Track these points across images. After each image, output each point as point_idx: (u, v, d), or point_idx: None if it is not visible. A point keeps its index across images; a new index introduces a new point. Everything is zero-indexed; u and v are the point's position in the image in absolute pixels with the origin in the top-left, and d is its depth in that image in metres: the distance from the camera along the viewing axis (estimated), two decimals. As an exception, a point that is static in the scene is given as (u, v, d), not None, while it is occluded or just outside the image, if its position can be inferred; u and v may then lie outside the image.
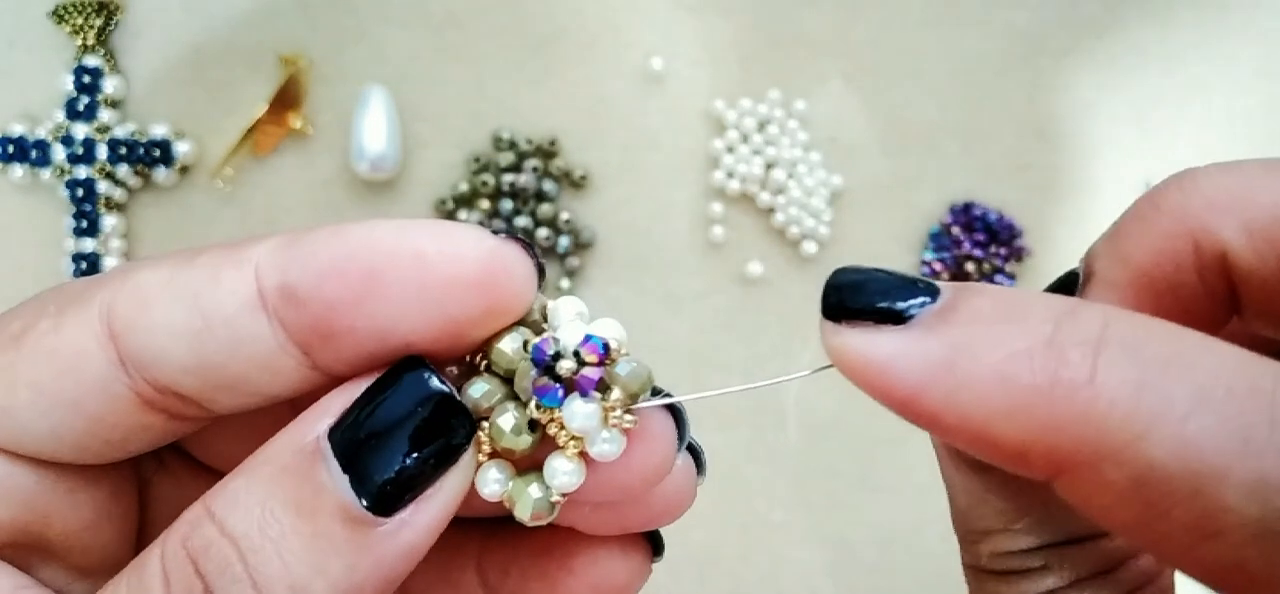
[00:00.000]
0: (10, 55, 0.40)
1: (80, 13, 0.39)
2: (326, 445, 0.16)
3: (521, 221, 0.40)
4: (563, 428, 0.17)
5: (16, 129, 0.39)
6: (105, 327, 0.17)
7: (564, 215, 0.40)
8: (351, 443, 0.16)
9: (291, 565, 0.16)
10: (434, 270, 0.16)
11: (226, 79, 0.40)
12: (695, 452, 0.19)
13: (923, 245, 0.41)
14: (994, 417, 0.15)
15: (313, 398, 0.18)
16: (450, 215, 0.40)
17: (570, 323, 0.17)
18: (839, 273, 0.17)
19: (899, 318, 0.16)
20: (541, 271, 0.17)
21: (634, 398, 0.17)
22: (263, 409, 0.19)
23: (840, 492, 0.42)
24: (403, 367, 0.17)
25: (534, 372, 0.17)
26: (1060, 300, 0.15)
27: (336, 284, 0.17)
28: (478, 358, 0.18)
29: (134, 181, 0.40)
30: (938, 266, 0.41)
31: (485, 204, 0.40)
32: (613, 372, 0.17)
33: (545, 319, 0.18)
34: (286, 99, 0.39)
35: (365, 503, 0.16)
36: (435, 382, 0.17)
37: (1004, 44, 0.41)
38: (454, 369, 0.18)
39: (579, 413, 0.17)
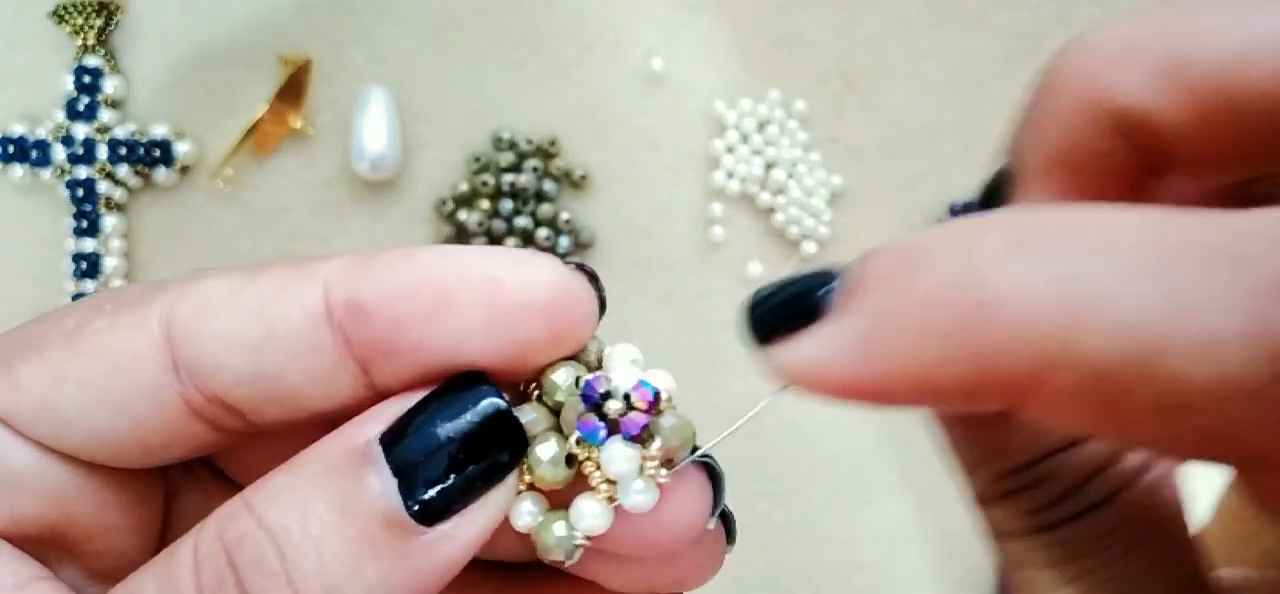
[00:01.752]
0: (10, 55, 0.40)
1: (80, 13, 0.39)
2: (378, 450, 0.16)
3: (521, 222, 0.40)
4: (598, 469, 0.17)
5: (17, 129, 0.39)
6: (164, 331, 0.18)
7: (564, 215, 0.40)
8: (403, 450, 0.16)
9: (328, 564, 0.16)
10: (507, 294, 0.17)
11: (227, 79, 0.40)
12: (727, 519, 0.19)
13: (922, 245, 0.41)
14: (931, 367, 0.14)
15: (356, 412, 0.18)
16: (450, 215, 0.40)
17: (625, 367, 0.18)
18: (750, 299, 0.17)
19: (812, 314, 0.15)
20: (603, 305, 0.18)
21: (675, 453, 0.17)
22: (298, 429, 0.19)
23: (841, 491, 0.42)
24: (463, 380, 0.17)
25: (582, 406, 0.17)
26: (958, 226, 0.14)
27: (407, 302, 0.17)
28: (530, 387, 0.18)
29: (134, 182, 0.40)
30: (937, 266, 0.41)
31: (485, 204, 0.40)
32: (658, 422, 0.17)
33: (599, 361, 0.18)
34: (287, 97, 0.39)
35: (411, 510, 0.16)
36: (495, 398, 0.17)
37: (1003, 44, 0.41)
38: (506, 396, 0.18)
39: (618, 457, 0.17)
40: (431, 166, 0.40)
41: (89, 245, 0.39)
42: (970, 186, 0.41)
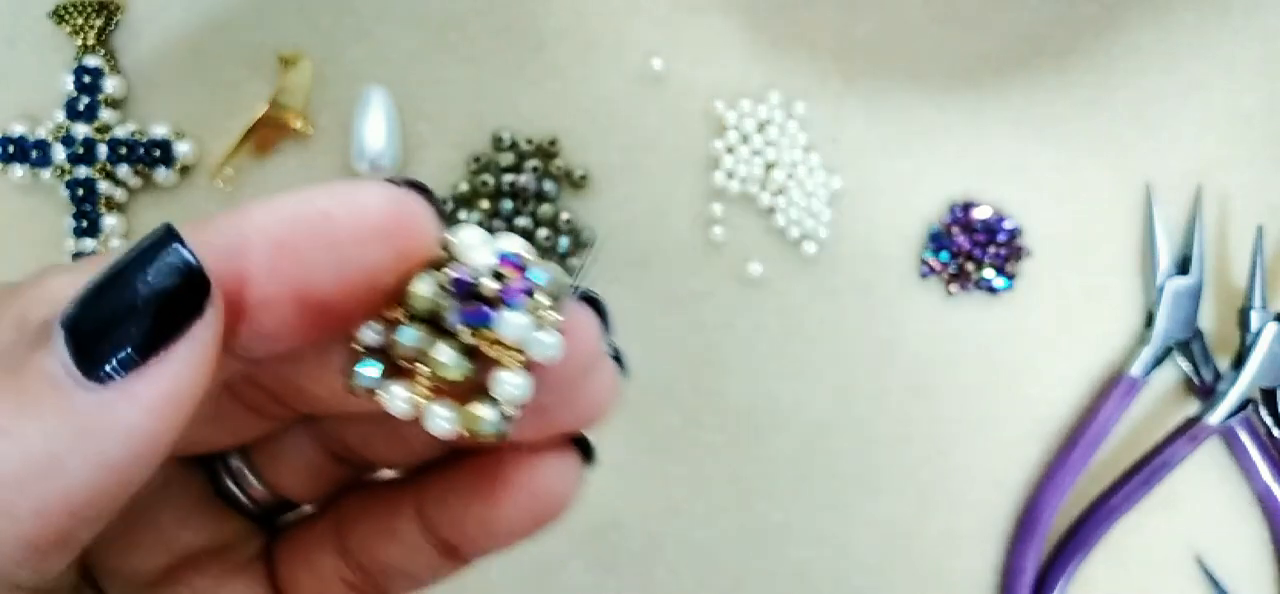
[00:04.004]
0: (10, 55, 0.40)
1: (80, 13, 0.39)
2: (58, 329, 0.16)
3: (522, 222, 0.40)
4: (498, 343, 0.17)
5: (17, 129, 0.39)
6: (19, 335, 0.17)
7: (564, 215, 0.40)
8: (85, 327, 0.16)
9: (17, 448, 0.15)
10: (341, 226, 0.17)
11: (227, 79, 0.40)
12: (617, 354, 0.20)
13: (922, 246, 0.41)
14: None
15: (263, 373, 0.18)
16: (451, 216, 0.40)
17: (480, 250, 0.18)
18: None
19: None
20: (441, 212, 0.18)
21: (554, 294, 0.18)
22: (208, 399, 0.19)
23: (840, 490, 0.42)
24: (151, 241, 0.16)
25: (458, 302, 0.17)
26: None
27: (245, 261, 0.17)
28: (398, 311, 0.18)
29: (134, 181, 0.40)
30: (937, 267, 0.41)
31: (485, 204, 0.40)
32: (532, 277, 0.17)
33: (449, 253, 0.18)
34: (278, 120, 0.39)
35: (76, 365, 0.15)
36: (182, 251, 0.16)
37: (1003, 44, 0.41)
38: (375, 330, 0.18)
39: (514, 321, 0.17)
40: (432, 166, 0.40)
41: (89, 245, 0.39)
42: (970, 187, 0.41)
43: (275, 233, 0.17)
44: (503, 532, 0.21)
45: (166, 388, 0.16)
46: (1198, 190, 0.42)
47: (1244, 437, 0.41)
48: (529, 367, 0.17)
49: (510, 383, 0.17)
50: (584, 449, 0.21)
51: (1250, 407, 0.41)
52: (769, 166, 0.41)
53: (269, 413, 0.21)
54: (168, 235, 0.16)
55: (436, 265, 0.18)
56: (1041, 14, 0.41)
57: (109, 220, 0.39)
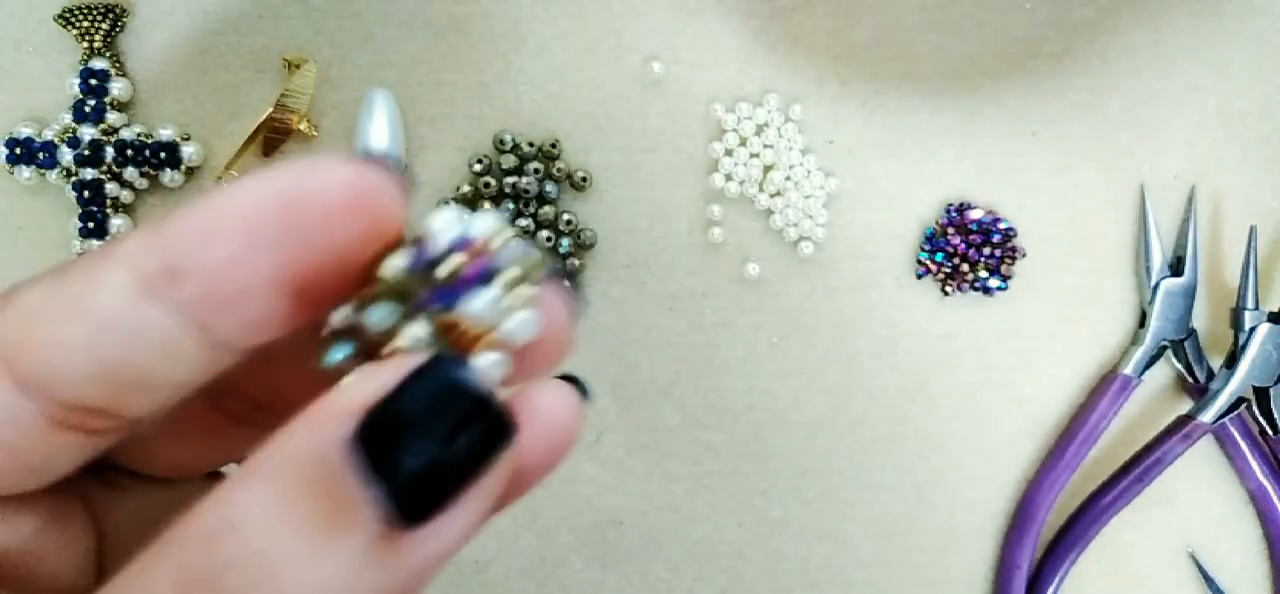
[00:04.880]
0: (17, 58, 0.40)
1: (87, 16, 0.40)
2: (355, 447, 0.15)
3: (523, 223, 0.40)
4: (470, 325, 0.17)
5: (24, 131, 0.39)
6: None
7: (565, 217, 0.40)
8: (382, 443, 0.15)
9: (320, 583, 0.15)
10: (309, 207, 0.16)
11: (232, 82, 0.40)
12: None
13: (918, 246, 0.42)
14: None
15: (247, 379, 0.17)
16: (453, 217, 0.40)
17: (445, 227, 0.17)
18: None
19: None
20: (406, 189, 0.17)
21: (526, 274, 0.17)
22: (197, 414, 0.19)
23: (837, 488, 0.42)
24: (431, 365, 0.16)
25: (424, 279, 0.17)
26: None
27: (214, 248, 0.16)
28: (369, 290, 0.17)
29: (141, 183, 0.40)
30: (933, 267, 0.42)
31: (488, 206, 0.40)
32: (500, 256, 0.17)
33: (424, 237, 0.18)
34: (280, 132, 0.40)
35: (400, 513, 0.15)
36: (465, 374, 0.16)
37: (998, 47, 0.42)
38: (345, 313, 0.17)
39: (480, 301, 0.16)
40: (434, 169, 0.41)
41: (96, 246, 0.40)
42: (965, 188, 0.42)
43: (245, 216, 0.16)
44: (523, 473, 0.19)
45: (479, 514, 0.16)
46: (1191, 191, 0.42)
47: (1237, 435, 0.42)
48: (501, 346, 0.17)
49: (485, 364, 0.17)
50: (576, 384, 0.19)
51: (1243, 406, 0.41)
52: (767, 169, 0.41)
53: (253, 422, 0.21)
54: (443, 361, 0.16)
55: (412, 243, 0.17)
56: (1036, 17, 0.42)
57: (115, 222, 0.40)
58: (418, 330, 0.17)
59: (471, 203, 0.41)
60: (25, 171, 0.39)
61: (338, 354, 0.17)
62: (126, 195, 0.40)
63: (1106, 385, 0.42)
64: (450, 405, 0.15)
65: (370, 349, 0.17)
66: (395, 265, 0.17)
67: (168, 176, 0.40)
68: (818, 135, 0.42)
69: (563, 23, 0.41)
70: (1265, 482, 0.42)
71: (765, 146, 0.41)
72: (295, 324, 0.17)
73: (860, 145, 0.42)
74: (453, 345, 0.17)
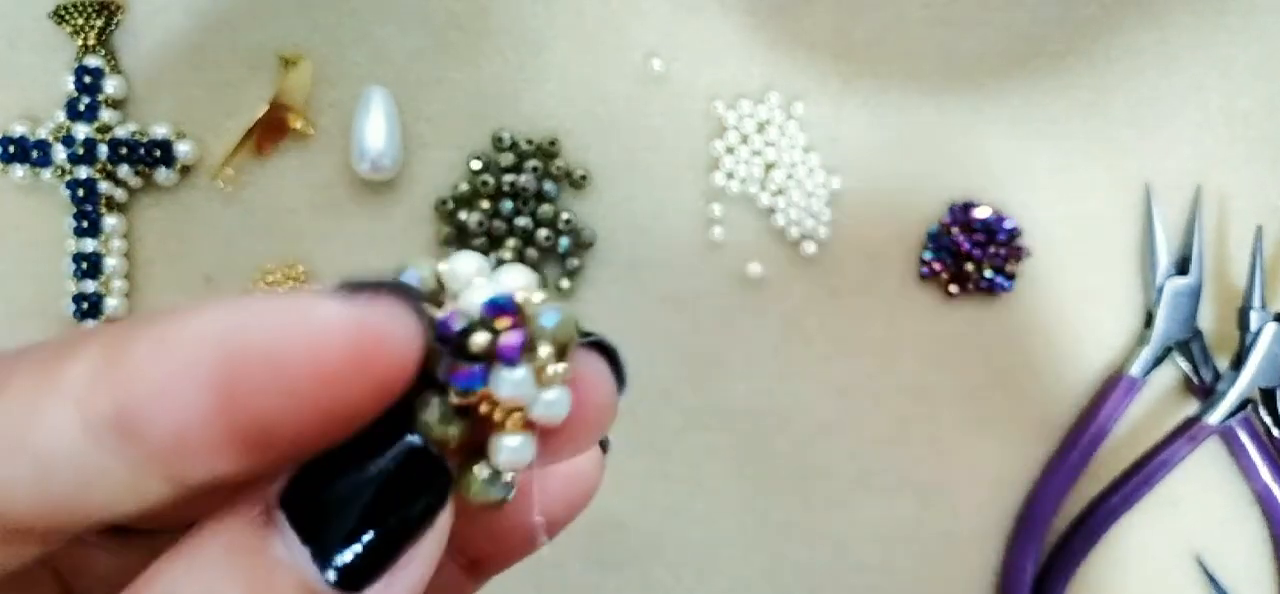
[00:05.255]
0: (11, 55, 0.40)
1: (81, 13, 0.39)
2: (280, 514, 0.14)
3: (522, 222, 0.40)
4: (497, 405, 0.15)
5: (17, 129, 0.39)
6: None
7: (564, 215, 0.40)
8: (310, 506, 0.14)
9: None
10: (294, 371, 0.13)
11: (227, 79, 0.40)
12: (619, 375, 0.17)
13: (921, 246, 0.41)
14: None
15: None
16: (451, 215, 0.40)
17: (473, 285, 0.15)
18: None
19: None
20: (425, 313, 0.15)
21: (564, 348, 0.15)
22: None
23: (839, 491, 0.42)
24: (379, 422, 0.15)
25: (446, 355, 0.15)
26: None
27: (179, 406, 0.13)
28: None
29: (135, 182, 0.40)
30: (937, 267, 0.41)
31: (486, 204, 0.40)
32: (536, 326, 0.15)
33: (442, 286, 0.15)
34: (275, 125, 0.39)
35: (329, 579, 0.14)
36: (411, 435, 0.14)
37: (1002, 45, 0.41)
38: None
39: (509, 381, 0.15)
40: (432, 167, 0.40)
41: (90, 245, 0.39)
42: (969, 187, 0.41)
43: (216, 368, 0.13)
44: (545, 527, 0.18)
45: (417, 581, 0.15)
46: (1197, 190, 0.42)
47: (1243, 436, 0.42)
48: (531, 425, 0.15)
49: (507, 447, 0.15)
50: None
51: (1249, 406, 0.41)
52: (769, 167, 0.41)
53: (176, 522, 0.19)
54: (404, 431, 0.14)
55: (427, 298, 0.15)
56: (1040, 15, 0.41)
57: (110, 221, 0.39)
58: (435, 408, 0.15)
59: (469, 201, 0.40)
60: (19, 170, 0.39)
61: None
62: (120, 194, 0.40)
63: (1112, 386, 0.41)
64: (386, 467, 0.14)
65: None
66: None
67: (162, 175, 0.40)
68: (820, 133, 0.41)
69: (562, 19, 0.40)
70: (1272, 483, 0.42)
71: (767, 144, 0.41)
72: (271, 461, 0.15)
73: (863, 143, 0.41)
74: (473, 426, 0.15)
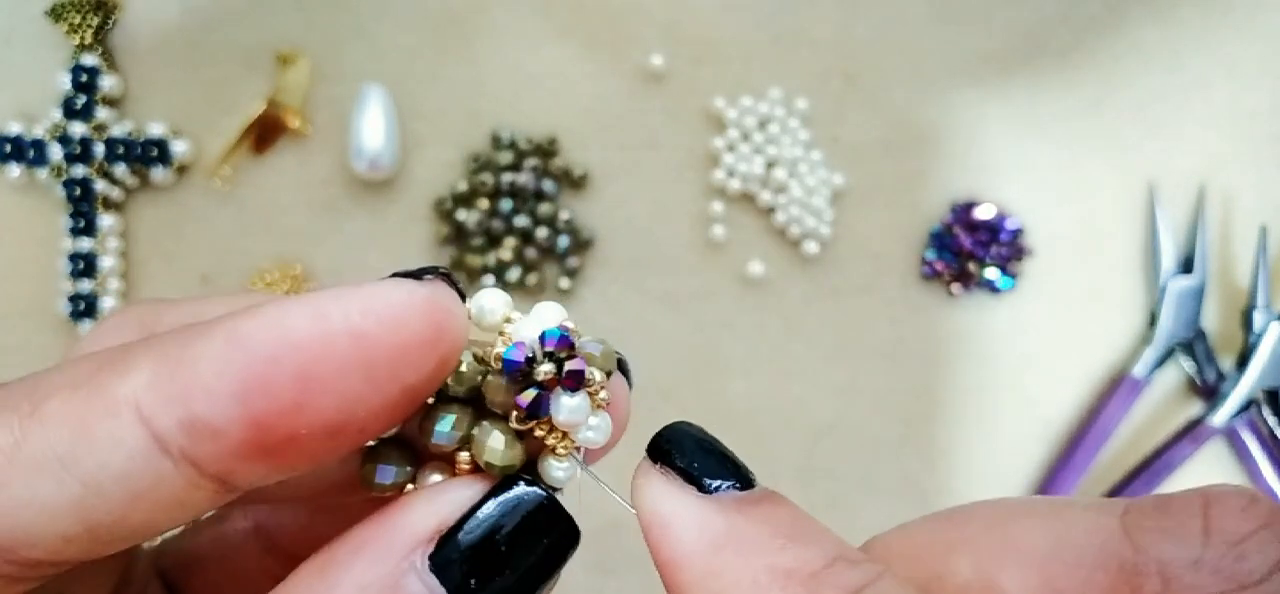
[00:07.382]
0: (7, 54, 0.39)
1: (77, 11, 0.39)
2: (431, 579, 0.15)
3: (521, 221, 0.40)
4: (551, 430, 0.16)
5: (13, 128, 0.39)
6: None
7: (563, 214, 0.40)
8: (453, 567, 0.15)
9: None
10: (379, 345, 0.14)
11: (224, 78, 0.40)
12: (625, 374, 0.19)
13: (924, 245, 0.41)
14: None
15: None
16: (449, 214, 0.40)
17: (521, 322, 0.17)
18: (676, 428, 0.17)
19: (702, 487, 0.16)
20: (461, 296, 0.16)
21: (609, 375, 0.17)
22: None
23: (840, 493, 0.42)
24: (508, 481, 0.16)
25: (510, 383, 0.16)
26: (838, 541, 0.16)
27: (262, 400, 0.14)
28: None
29: (131, 181, 0.39)
30: (939, 266, 0.41)
31: (484, 203, 0.40)
32: (590, 356, 0.17)
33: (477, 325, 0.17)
34: (262, 140, 0.39)
35: None
36: (538, 490, 0.16)
37: (1006, 42, 0.41)
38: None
39: (567, 407, 0.16)
40: (430, 165, 0.40)
41: (86, 244, 0.39)
42: (972, 186, 0.41)
43: (302, 359, 0.14)
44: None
45: None
46: (1201, 190, 0.42)
47: (1247, 437, 0.41)
48: (577, 448, 0.17)
49: (559, 469, 0.17)
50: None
51: (1253, 407, 0.41)
52: (770, 165, 0.40)
53: None
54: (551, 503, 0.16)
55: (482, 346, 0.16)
56: (1044, 12, 0.41)
57: (106, 220, 0.39)
58: (499, 438, 0.16)
59: (468, 200, 0.40)
60: (14, 169, 0.39)
61: (384, 473, 0.16)
62: (116, 193, 0.39)
63: (1115, 387, 0.41)
64: (535, 524, 0.15)
65: (420, 460, 0.17)
66: (466, 367, 0.16)
67: (158, 173, 0.39)
68: (822, 130, 0.41)
69: (561, 16, 0.40)
70: (1275, 483, 0.41)
71: (768, 142, 0.40)
72: (331, 457, 0.15)
73: (865, 141, 0.41)
74: (527, 452, 0.17)
